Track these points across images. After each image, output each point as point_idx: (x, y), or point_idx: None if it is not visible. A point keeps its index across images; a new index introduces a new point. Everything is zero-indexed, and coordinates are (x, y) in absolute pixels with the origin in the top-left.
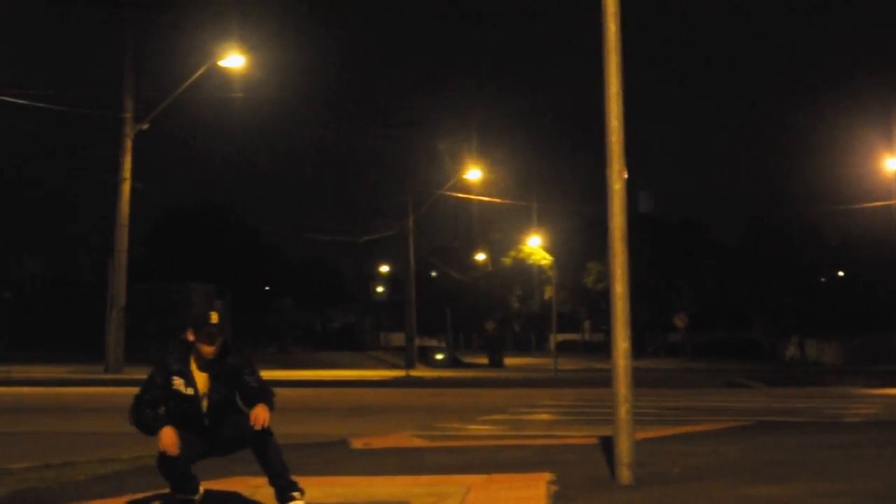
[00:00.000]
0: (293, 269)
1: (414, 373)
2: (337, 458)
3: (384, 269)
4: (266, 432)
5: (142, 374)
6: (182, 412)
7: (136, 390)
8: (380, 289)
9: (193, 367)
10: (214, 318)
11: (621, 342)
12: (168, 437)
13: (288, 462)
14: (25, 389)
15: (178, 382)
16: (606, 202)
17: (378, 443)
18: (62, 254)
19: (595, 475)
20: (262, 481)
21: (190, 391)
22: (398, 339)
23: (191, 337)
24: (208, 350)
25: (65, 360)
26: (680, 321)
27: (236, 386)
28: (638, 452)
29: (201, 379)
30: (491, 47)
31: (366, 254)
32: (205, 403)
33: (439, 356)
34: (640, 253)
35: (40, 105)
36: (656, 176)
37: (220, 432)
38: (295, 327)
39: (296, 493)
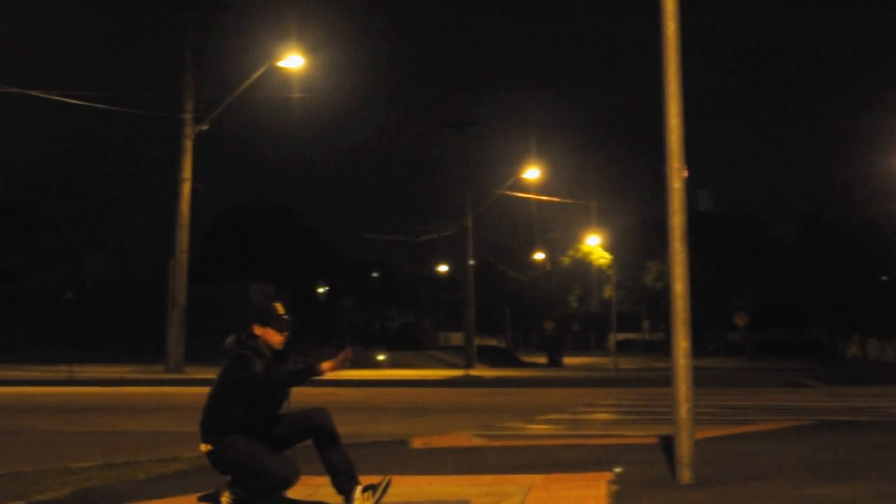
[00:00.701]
0: (351, 269)
1: (473, 372)
2: (397, 458)
3: (443, 268)
4: (328, 418)
5: (202, 374)
6: (265, 403)
7: (196, 390)
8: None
9: (266, 356)
10: (280, 308)
11: (681, 341)
12: (329, 364)
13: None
14: (87, 389)
15: (256, 363)
16: (666, 201)
17: (438, 442)
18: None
19: (655, 475)
20: (322, 480)
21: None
22: (457, 338)
23: (257, 330)
24: (279, 340)
25: (126, 359)
26: (740, 320)
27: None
28: (698, 452)
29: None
30: (552, 46)
31: (424, 253)
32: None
33: (381, 357)
34: (700, 251)
35: (102, 106)
36: (715, 174)
37: (280, 429)
38: (353, 327)
39: (358, 487)
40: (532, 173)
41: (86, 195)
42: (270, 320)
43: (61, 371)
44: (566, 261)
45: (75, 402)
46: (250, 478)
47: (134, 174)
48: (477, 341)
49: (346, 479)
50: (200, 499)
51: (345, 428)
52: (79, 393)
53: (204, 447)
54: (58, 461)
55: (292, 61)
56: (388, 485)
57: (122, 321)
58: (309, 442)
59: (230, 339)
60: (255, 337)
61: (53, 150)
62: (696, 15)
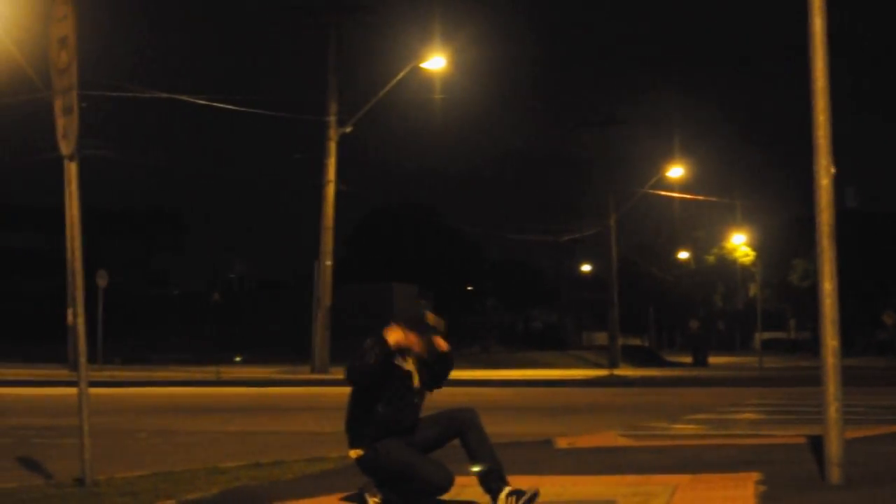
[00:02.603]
0: (495, 269)
1: (617, 372)
2: (542, 458)
3: (586, 267)
4: (475, 417)
5: None
6: (397, 391)
7: (341, 390)
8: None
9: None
10: (431, 317)
11: (830, 340)
12: (395, 335)
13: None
14: (234, 390)
15: (398, 360)
16: (813, 198)
17: (583, 442)
18: (269, 256)
19: (804, 475)
20: (468, 480)
21: (407, 367)
22: (601, 337)
23: (399, 333)
24: (419, 346)
25: (272, 360)
26: (888, 318)
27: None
28: (847, 452)
29: (411, 364)
30: (694, 44)
31: (567, 253)
32: (416, 380)
33: (237, 358)
34: (847, 249)
35: (247, 110)
36: (863, 170)
37: (427, 430)
38: (497, 327)
39: (505, 489)
40: (675, 172)
41: (232, 199)
42: (415, 325)
43: (209, 372)
44: (711, 259)
45: (223, 402)
46: (404, 483)
47: (279, 177)
48: (621, 341)
49: (493, 478)
50: (344, 499)
51: (489, 428)
52: (226, 394)
53: (353, 453)
54: (207, 461)
55: (435, 62)
56: (535, 495)
57: (268, 323)
58: (457, 441)
59: (369, 341)
60: (387, 336)
61: (201, 154)
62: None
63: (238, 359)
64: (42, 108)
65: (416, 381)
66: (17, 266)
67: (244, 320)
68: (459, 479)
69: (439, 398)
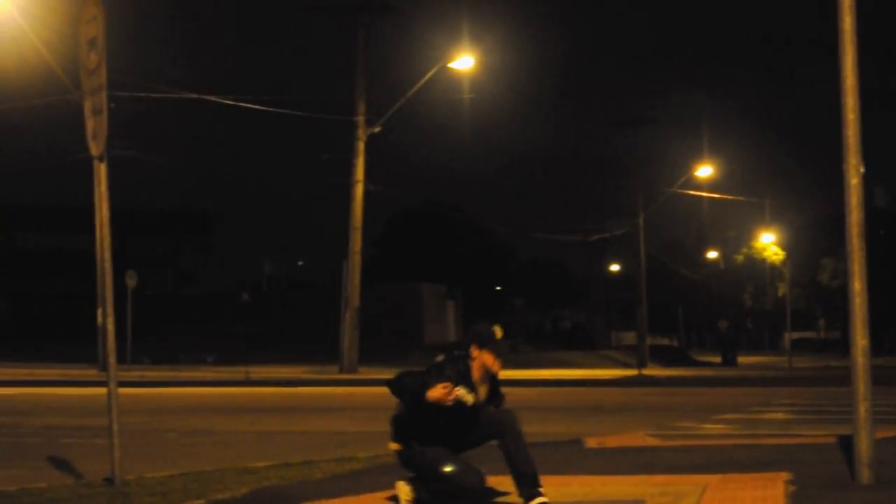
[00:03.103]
0: (523, 269)
1: (646, 371)
2: (571, 458)
3: (615, 267)
4: (515, 421)
5: (376, 374)
6: (454, 419)
7: (370, 390)
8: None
9: (474, 379)
10: (499, 333)
11: (860, 339)
12: (438, 391)
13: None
14: (263, 389)
15: (461, 391)
16: (843, 197)
17: (612, 442)
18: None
19: (834, 475)
20: (499, 480)
21: (471, 399)
22: (630, 337)
23: (474, 352)
24: (494, 363)
25: (300, 360)
26: None
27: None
28: (878, 451)
29: (481, 390)
30: (723, 43)
31: (596, 252)
32: (480, 396)
33: (210, 359)
34: (877, 248)
35: (276, 110)
36: (893, 170)
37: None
38: (526, 327)
39: (542, 489)
40: (704, 171)
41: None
42: (488, 343)
43: (238, 372)
44: (740, 259)
45: (252, 402)
46: (435, 482)
47: (307, 177)
48: (649, 340)
49: (528, 482)
50: (389, 499)
51: (534, 426)
52: (255, 393)
53: (393, 446)
54: (236, 461)
55: (463, 62)
56: None
57: (297, 322)
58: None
59: (439, 357)
60: (470, 358)
61: (228, 153)
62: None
63: (210, 359)
64: (72, 109)
65: (480, 397)
66: (47, 266)
67: (273, 320)
68: (493, 479)
69: None
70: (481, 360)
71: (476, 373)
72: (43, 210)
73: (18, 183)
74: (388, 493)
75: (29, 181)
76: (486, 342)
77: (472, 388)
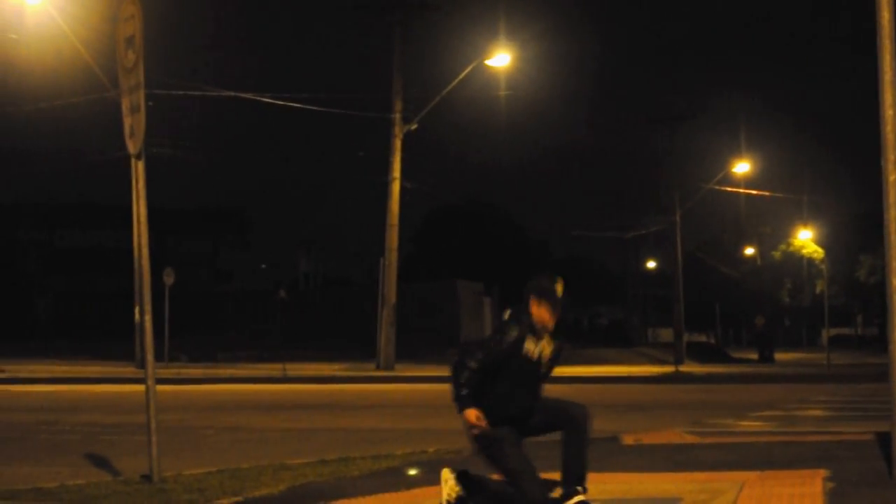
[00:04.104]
0: (560, 266)
1: (683, 368)
2: (608, 454)
3: (651, 264)
4: (587, 419)
5: (413, 372)
6: (522, 374)
7: (407, 387)
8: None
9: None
10: (560, 289)
11: None
12: (472, 415)
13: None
14: (300, 387)
15: (529, 345)
16: (881, 194)
17: (649, 439)
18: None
19: (872, 472)
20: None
21: (537, 353)
22: (666, 334)
23: (533, 304)
24: (549, 318)
25: (337, 357)
26: None
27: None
28: None
29: (544, 344)
30: (761, 39)
31: (633, 249)
32: (543, 368)
33: (181, 357)
34: None
35: (313, 108)
36: None
37: (535, 416)
38: (563, 324)
39: (579, 488)
40: (742, 167)
41: (298, 196)
42: (547, 295)
43: (274, 369)
44: (777, 255)
45: (288, 399)
46: (506, 479)
47: (344, 174)
48: (686, 337)
49: (573, 480)
50: (426, 495)
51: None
52: (292, 390)
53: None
54: (273, 457)
55: (500, 59)
56: None
57: (333, 319)
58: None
59: (507, 312)
60: (529, 312)
61: (266, 151)
62: None
63: (182, 357)
64: (110, 107)
65: (545, 357)
66: (87, 264)
67: (310, 317)
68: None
69: None
70: (539, 314)
71: (540, 327)
72: (82, 208)
73: (58, 182)
74: (425, 489)
75: (68, 180)
76: (546, 294)
77: (538, 337)
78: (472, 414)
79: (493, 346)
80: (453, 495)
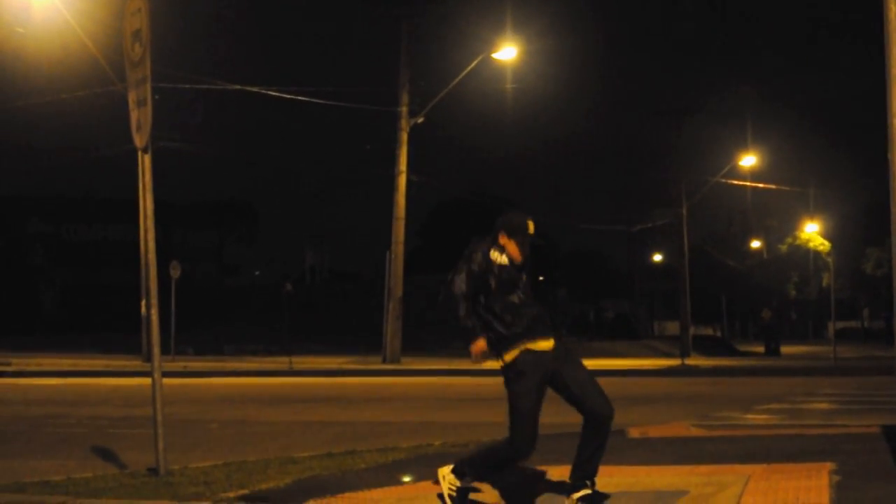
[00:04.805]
0: (566, 259)
1: (689, 361)
2: (614, 448)
3: (657, 257)
4: (610, 412)
5: (419, 365)
6: (509, 284)
7: (413, 380)
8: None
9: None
10: (532, 227)
11: None
12: (479, 346)
13: (567, 451)
14: (307, 380)
15: (494, 254)
16: (887, 187)
17: (655, 432)
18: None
19: (878, 465)
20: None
21: (505, 260)
22: (673, 327)
23: (502, 239)
24: (518, 257)
25: (343, 350)
26: None
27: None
28: None
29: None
30: (767, 32)
31: (639, 243)
32: (521, 281)
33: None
34: None
35: (319, 101)
36: None
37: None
38: (569, 317)
39: (584, 492)
40: (748, 160)
41: (305, 190)
42: (517, 233)
43: (281, 362)
44: (784, 248)
45: (295, 392)
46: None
47: (351, 168)
48: (692, 331)
49: (581, 475)
50: (433, 486)
51: (560, 417)
52: (298, 384)
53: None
54: (279, 450)
55: (506, 53)
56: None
57: (340, 313)
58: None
59: (475, 255)
60: (500, 245)
61: (272, 145)
62: None
63: (188, 351)
64: (117, 100)
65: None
66: (93, 258)
67: (316, 311)
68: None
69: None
70: (507, 249)
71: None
72: (89, 202)
73: (64, 175)
74: (431, 483)
75: (75, 173)
76: (516, 232)
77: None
78: (480, 345)
79: (467, 267)
80: (454, 488)
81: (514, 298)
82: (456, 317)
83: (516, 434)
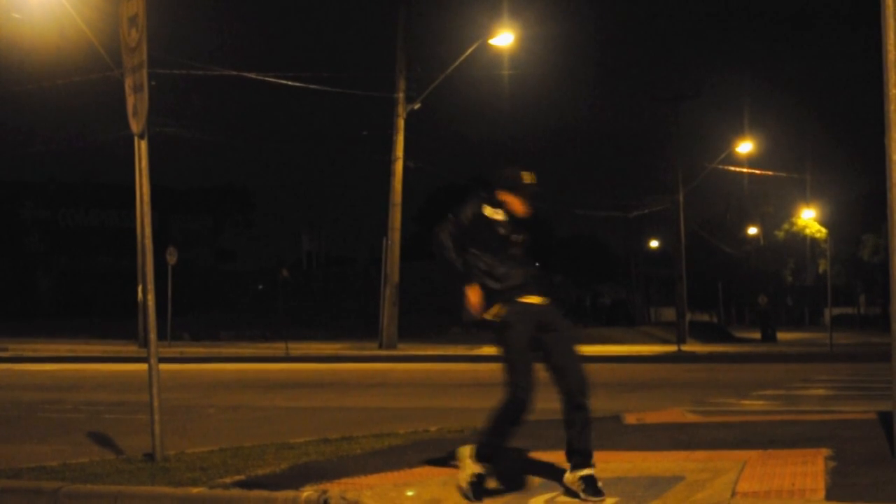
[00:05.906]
0: (563, 246)
1: (685, 348)
2: (610, 433)
3: (654, 243)
4: (586, 391)
5: (416, 351)
6: (500, 242)
7: (410, 366)
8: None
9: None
10: (528, 177)
11: None
12: (476, 296)
13: (563, 437)
14: (303, 366)
15: (488, 210)
16: (884, 173)
17: (651, 418)
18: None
19: (874, 451)
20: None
21: (501, 216)
22: (669, 313)
23: (501, 197)
24: (522, 209)
25: (340, 336)
26: None
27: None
28: None
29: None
30: (765, 19)
31: (635, 229)
32: (516, 238)
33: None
34: None
35: (316, 87)
36: None
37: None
38: (565, 303)
39: (587, 472)
40: (745, 147)
41: (301, 175)
42: (517, 188)
43: (277, 348)
44: (780, 235)
45: (291, 378)
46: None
47: (347, 154)
48: (689, 317)
49: (578, 455)
50: (431, 468)
51: (556, 404)
52: (294, 369)
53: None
54: (276, 436)
55: (503, 39)
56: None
57: (336, 299)
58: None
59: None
60: (498, 201)
61: (268, 131)
62: None
63: (185, 336)
64: (113, 86)
65: (518, 239)
66: (90, 243)
67: (312, 296)
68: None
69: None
70: (510, 205)
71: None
72: (86, 187)
73: (60, 161)
74: (428, 468)
75: (71, 159)
76: (516, 188)
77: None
78: (475, 293)
79: (458, 218)
80: (474, 475)
81: (507, 254)
82: (446, 260)
83: (512, 385)
